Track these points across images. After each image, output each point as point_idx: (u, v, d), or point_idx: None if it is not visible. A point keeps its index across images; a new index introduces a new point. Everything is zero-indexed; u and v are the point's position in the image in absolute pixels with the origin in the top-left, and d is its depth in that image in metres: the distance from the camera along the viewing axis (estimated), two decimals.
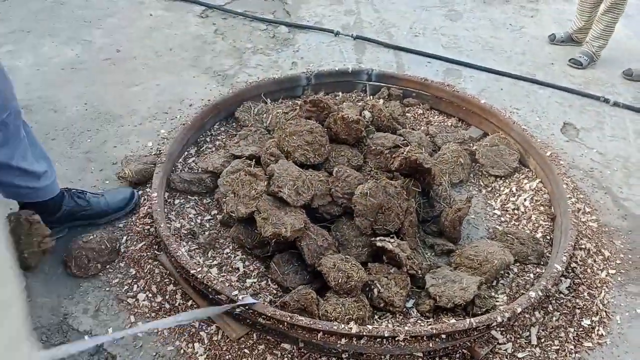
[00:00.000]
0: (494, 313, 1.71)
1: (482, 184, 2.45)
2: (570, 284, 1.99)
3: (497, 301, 1.90)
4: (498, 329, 1.76)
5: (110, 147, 2.50)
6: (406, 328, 1.65)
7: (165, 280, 1.91)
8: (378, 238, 1.96)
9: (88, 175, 2.33)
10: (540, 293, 1.76)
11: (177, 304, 1.86)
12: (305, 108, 2.32)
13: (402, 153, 2.10)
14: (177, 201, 2.21)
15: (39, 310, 1.83)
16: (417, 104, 2.86)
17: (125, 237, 2.08)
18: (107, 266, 1.98)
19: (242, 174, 2.02)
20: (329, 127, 2.25)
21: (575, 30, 3.68)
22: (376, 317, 1.84)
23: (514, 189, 2.39)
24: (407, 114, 2.80)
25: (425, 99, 2.86)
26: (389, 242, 1.93)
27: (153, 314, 1.83)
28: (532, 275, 2.01)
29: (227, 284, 1.88)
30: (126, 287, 1.91)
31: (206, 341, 1.75)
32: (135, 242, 2.05)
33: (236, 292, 1.70)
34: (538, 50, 3.65)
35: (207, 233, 2.09)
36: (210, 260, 1.98)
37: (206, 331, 1.78)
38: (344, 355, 1.69)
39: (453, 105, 2.79)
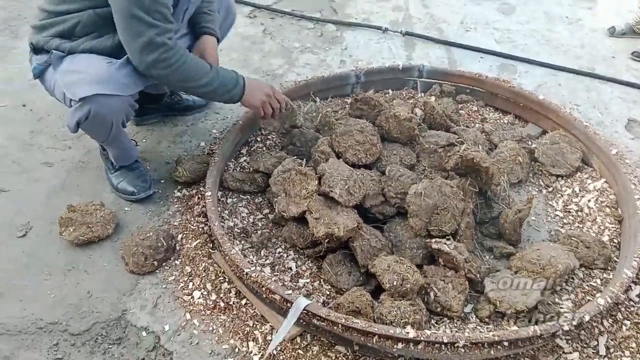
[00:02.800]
0: (560, 320, 1.63)
1: (542, 183, 2.35)
2: None
3: (561, 308, 1.81)
4: (564, 337, 1.67)
5: (164, 147, 2.55)
6: (466, 334, 1.60)
7: (220, 279, 1.92)
8: (434, 240, 1.90)
9: None
10: (609, 300, 1.66)
11: (231, 302, 1.86)
12: (356, 106, 2.28)
13: (458, 151, 2.04)
14: (229, 200, 2.22)
15: (99, 305, 1.87)
16: (471, 101, 2.77)
17: (180, 235, 2.10)
18: (164, 263, 2.01)
19: (292, 173, 2.01)
20: (381, 126, 2.21)
21: (637, 21, 3.50)
22: (433, 321, 1.79)
23: (576, 190, 2.28)
24: (460, 111, 2.72)
25: (480, 96, 2.77)
26: (446, 244, 1.87)
27: (208, 312, 1.84)
28: (599, 281, 1.90)
29: (280, 284, 1.87)
30: (182, 285, 1.93)
31: (260, 340, 1.75)
32: (190, 240, 2.07)
33: (290, 292, 1.68)
34: (597, 43, 3.48)
35: (259, 232, 2.09)
36: (263, 260, 1.98)
37: (260, 330, 1.78)
38: None
39: (509, 101, 2.69)
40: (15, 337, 1.76)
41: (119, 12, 1.77)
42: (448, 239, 1.92)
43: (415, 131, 2.20)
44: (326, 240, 1.85)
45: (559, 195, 2.29)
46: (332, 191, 1.91)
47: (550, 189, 2.32)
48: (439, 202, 1.94)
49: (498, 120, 2.67)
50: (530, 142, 2.50)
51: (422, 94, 2.84)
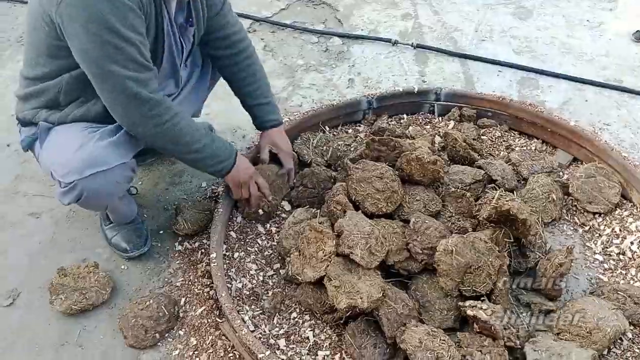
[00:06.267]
0: None
1: (577, 221, 2.13)
2: None
3: None
4: None
5: (162, 189, 2.33)
6: None
7: (230, 356, 1.72)
8: (468, 303, 1.70)
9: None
10: None
11: None
12: (373, 147, 2.06)
13: (492, 200, 1.83)
14: (236, 255, 2.01)
15: None
16: (494, 125, 2.55)
17: (183, 299, 1.90)
18: (166, 335, 1.81)
19: (307, 230, 1.81)
20: (401, 168, 2.00)
21: None
22: None
23: (617, 230, 2.06)
24: (482, 137, 2.51)
25: (503, 119, 2.55)
26: (482, 308, 1.67)
27: None
28: None
29: (297, 359, 1.68)
30: None
31: None
32: (194, 307, 1.87)
33: None
34: (622, 50, 3.24)
35: (271, 294, 1.88)
36: (277, 329, 1.78)
37: None
38: None
39: (536, 125, 2.46)
40: None
41: (89, 71, 1.57)
42: (483, 300, 1.72)
43: (440, 174, 1.99)
44: (347, 313, 1.65)
45: (597, 235, 2.08)
46: (352, 253, 1.70)
47: (587, 228, 2.11)
48: (472, 261, 1.73)
49: (524, 147, 2.45)
50: (562, 174, 2.28)
51: (440, 118, 2.62)
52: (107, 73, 1.55)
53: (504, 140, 2.49)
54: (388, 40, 3.29)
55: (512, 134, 2.53)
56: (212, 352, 1.73)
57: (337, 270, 1.69)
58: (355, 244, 1.72)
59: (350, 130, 2.57)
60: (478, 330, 1.68)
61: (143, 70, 1.61)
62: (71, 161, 1.62)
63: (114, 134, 1.69)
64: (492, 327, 1.63)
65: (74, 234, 2.14)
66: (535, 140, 2.49)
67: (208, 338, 1.77)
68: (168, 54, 1.77)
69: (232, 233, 2.07)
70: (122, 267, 2.03)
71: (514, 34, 3.40)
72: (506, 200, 1.79)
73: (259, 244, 2.06)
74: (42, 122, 1.71)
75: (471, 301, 1.72)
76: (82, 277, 1.89)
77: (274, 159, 2.20)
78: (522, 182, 2.23)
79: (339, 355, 1.71)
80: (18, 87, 1.82)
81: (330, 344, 1.74)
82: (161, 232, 2.15)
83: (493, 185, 2.07)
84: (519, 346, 1.68)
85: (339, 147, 2.38)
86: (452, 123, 2.56)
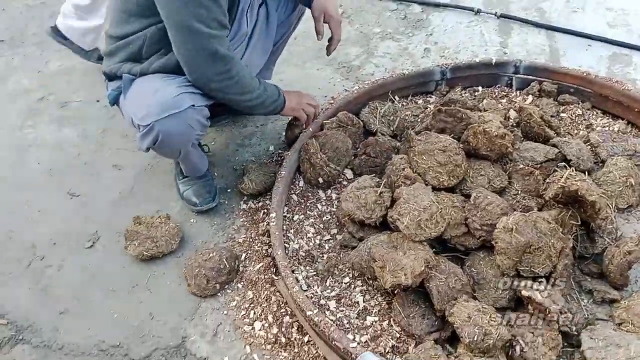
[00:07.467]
0: None
1: None
2: None
3: None
4: None
5: (232, 150, 2.43)
6: None
7: (282, 311, 1.80)
8: (523, 283, 1.66)
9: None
10: None
11: (292, 338, 1.74)
12: (439, 118, 2.02)
13: (559, 180, 1.74)
14: (295, 217, 2.08)
15: (160, 328, 1.82)
16: (576, 102, 2.40)
17: (244, 255, 2.00)
18: (226, 286, 1.92)
19: (369, 191, 1.84)
20: (468, 141, 1.94)
21: None
22: None
23: None
24: (562, 114, 2.37)
25: (586, 96, 2.39)
26: (538, 290, 1.62)
27: (269, 347, 1.74)
28: None
29: (346, 321, 1.73)
30: (243, 312, 1.84)
31: None
32: (253, 262, 1.97)
33: (354, 344, 1.53)
34: None
35: (325, 257, 1.93)
36: (329, 291, 1.83)
37: None
38: None
39: (621, 105, 2.29)
40: (78, 359, 1.76)
41: (174, 27, 1.66)
42: (540, 282, 1.67)
43: (508, 149, 1.92)
44: (395, 290, 1.66)
45: None
46: (399, 219, 1.71)
47: None
48: (533, 240, 1.67)
49: (607, 128, 2.29)
50: None
51: (518, 92, 2.50)
52: (191, 30, 1.64)
53: (585, 119, 2.35)
54: (471, 9, 3.15)
55: (595, 113, 2.37)
56: (267, 306, 1.82)
57: (381, 251, 1.70)
58: (406, 212, 1.72)
59: (420, 101, 2.53)
60: (532, 312, 1.64)
61: (222, 29, 1.71)
62: (149, 105, 1.74)
63: (188, 82, 1.79)
64: (547, 310, 1.58)
65: (151, 186, 2.30)
66: (620, 120, 2.32)
67: (264, 293, 1.86)
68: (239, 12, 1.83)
69: (294, 196, 2.14)
70: (192, 220, 2.16)
71: (609, 5, 3.13)
72: (575, 180, 1.70)
73: (318, 208, 2.11)
74: (125, 74, 1.83)
75: (528, 281, 1.67)
76: (155, 226, 2.04)
77: (339, 125, 2.22)
78: (600, 164, 2.10)
79: (387, 322, 1.73)
80: (105, 45, 1.96)
81: (379, 310, 1.77)
82: (229, 190, 2.26)
83: (564, 164, 1.96)
84: (575, 332, 1.62)
85: (407, 118, 2.35)
86: (530, 98, 2.44)
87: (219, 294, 1.90)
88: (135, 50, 1.82)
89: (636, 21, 2.99)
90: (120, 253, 2.03)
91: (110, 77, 1.92)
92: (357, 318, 1.75)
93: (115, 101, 1.91)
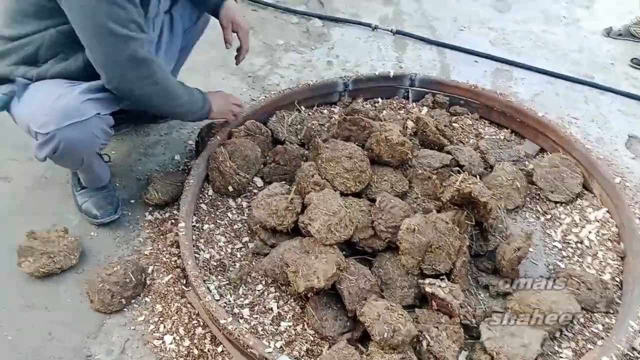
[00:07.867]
0: None
1: (539, 210, 2.21)
2: None
3: (561, 357, 1.70)
4: None
5: (134, 159, 2.34)
6: None
7: (194, 322, 1.76)
8: (427, 281, 1.77)
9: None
10: (615, 359, 1.55)
11: (206, 350, 1.70)
12: (344, 126, 2.11)
13: (454, 183, 1.89)
14: (205, 226, 2.04)
15: (60, 349, 1.70)
16: (466, 113, 2.61)
17: (151, 267, 1.93)
18: (133, 301, 1.84)
19: (279, 198, 1.86)
20: (371, 149, 2.04)
21: (635, 22, 3.35)
22: None
23: (576, 219, 2.15)
24: (454, 124, 2.57)
25: (475, 108, 2.61)
26: (440, 286, 1.73)
27: (181, 359, 1.69)
28: (600, 327, 1.79)
29: (260, 328, 1.73)
30: (152, 327, 1.76)
31: None
32: (162, 275, 1.90)
33: (270, 350, 1.53)
34: (595, 47, 3.33)
35: (238, 265, 1.92)
36: (242, 299, 1.82)
37: None
38: None
39: (506, 115, 2.53)
40: None
41: (88, 29, 1.56)
42: (442, 279, 1.79)
43: (408, 155, 2.04)
44: (308, 294, 1.70)
45: (558, 223, 2.16)
46: (310, 224, 1.75)
47: (549, 217, 2.19)
48: (433, 240, 1.79)
49: (494, 136, 2.52)
50: (527, 163, 2.36)
51: (414, 103, 2.67)
52: (108, 32, 1.55)
53: (474, 128, 2.56)
54: (368, 25, 3.32)
55: (483, 123, 2.60)
56: (177, 318, 1.77)
57: (294, 256, 1.73)
58: (317, 217, 1.76)
59: (325, 111, 2.61)
60: (436, 307, 1.75)
61: (141, 32, 1.63)
62: (50, 112, 1.62)
63: (94, 88, 1.70)
64: (449, 305, 1.70)
65: (45, 199, 2.14)
66: (505, 129, 2.56)
67: (174, 305, 1.81)
68: (149, 18, 1.79)
69: (203, 205, 2.10)
70: (92, 233, 2.04)
71: (492, 25, 3.46)
72: (469, 183, 1.85)
73: (229, 217, 2.09)
74: (19, 78, 1.70)
75: (430, 279, 1.78)
76: (51, 241, 1.90)
77: (247, 134, 2.23)
78: (489, 169, 2.30)
79: (300, 326, 1.76)
80: None
81: (293, 315, 1.79)
82: (132, 201, 2.17)
83: (458, 169, 2.12)
84: (475, 325, 1.76)
85: (313, 127, 2.42)
86: (425, 109, 2.62)
87: (125, 309, 1.82)
88: (30, 53, 1.70)
89: (514, 40, 3.33)
90: (13, 270, 1.87)
91: (1, 80, 1.77)
92: (271, 324, 1.75)
93: (5, 106, 1.77)
